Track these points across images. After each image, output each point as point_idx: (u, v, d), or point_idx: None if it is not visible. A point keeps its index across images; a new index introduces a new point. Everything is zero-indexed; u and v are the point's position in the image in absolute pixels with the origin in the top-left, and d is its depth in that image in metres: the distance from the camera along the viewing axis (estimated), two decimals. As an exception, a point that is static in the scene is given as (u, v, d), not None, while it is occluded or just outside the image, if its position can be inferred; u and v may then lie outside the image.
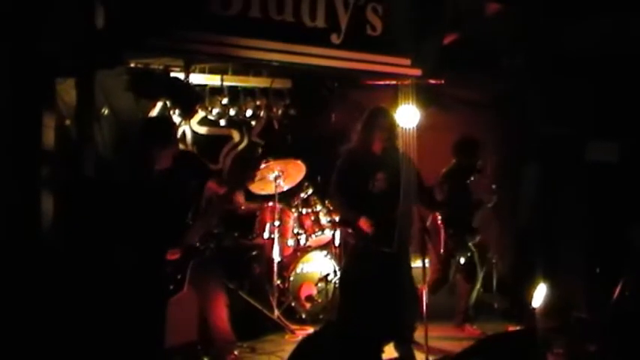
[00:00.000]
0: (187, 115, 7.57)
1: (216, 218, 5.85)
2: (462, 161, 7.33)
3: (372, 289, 5.73)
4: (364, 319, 5.32)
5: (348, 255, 6.46)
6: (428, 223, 7.08)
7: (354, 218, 6.15)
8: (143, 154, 5.44)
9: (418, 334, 6.05)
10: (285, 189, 7.55)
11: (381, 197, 6.17)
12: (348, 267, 6.30)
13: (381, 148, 6.22)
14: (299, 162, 7.58)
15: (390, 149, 6.25)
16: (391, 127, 6.31)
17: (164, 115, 6.02)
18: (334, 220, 7.32)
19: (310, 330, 6.88)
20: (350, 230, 6.31)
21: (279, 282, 7.23)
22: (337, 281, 7.22)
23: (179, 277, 5.49)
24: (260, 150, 6.82)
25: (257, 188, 7.45)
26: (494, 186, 7.40)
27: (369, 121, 6.24)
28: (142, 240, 5.16)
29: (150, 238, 5.19)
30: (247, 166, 6.05)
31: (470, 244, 7.26)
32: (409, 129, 7.22)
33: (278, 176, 7.26)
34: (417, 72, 7.01)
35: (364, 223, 6.07)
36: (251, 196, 7.71)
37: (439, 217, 7.25)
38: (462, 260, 7.27)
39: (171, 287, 5.46)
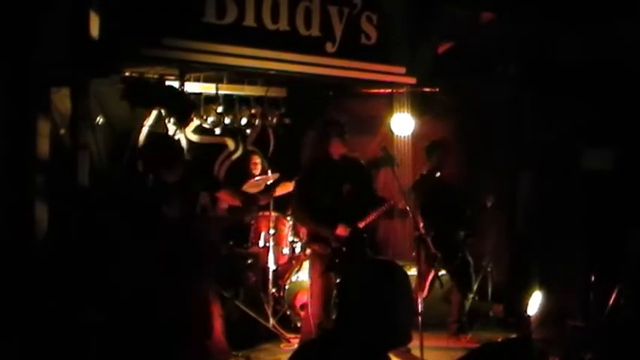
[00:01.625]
0: (182, 123, 7.58)
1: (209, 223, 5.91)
2: (434, 165, 7.19)
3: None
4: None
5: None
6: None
7: (329, 230, 6.03)
8: (149, 172, 5.49)
9: (413, 344, 6.05)
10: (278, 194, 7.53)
11: (349, 207, 6.09)
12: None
13: (340, 158, 6.09)
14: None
15: (347, 159, 6.12)
16: (344, 136, 6.16)
17: (166, 135, 6.00)
18: (305, 242, 7.10)
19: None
20: (317, 246, 6.20)
21: (274, 290, 7.22)
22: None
23: None
24: (274, 177, 6.78)
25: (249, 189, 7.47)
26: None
27: (324, 133, 6.10)
28: (136, 249, 5.15)
29: (144, 248, 5.19)
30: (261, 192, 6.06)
31: (461, 253, 7.23)
32: (404, 137, 7.25)
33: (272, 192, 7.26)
34: (412, 80, 7.04)
35: (342, 230, 6.00)
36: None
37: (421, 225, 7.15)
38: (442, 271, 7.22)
39: None
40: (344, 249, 6.01)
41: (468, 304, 7.32)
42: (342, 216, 6.03)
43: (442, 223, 7.03)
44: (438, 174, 7.11)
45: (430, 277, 7.21)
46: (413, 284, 6.57)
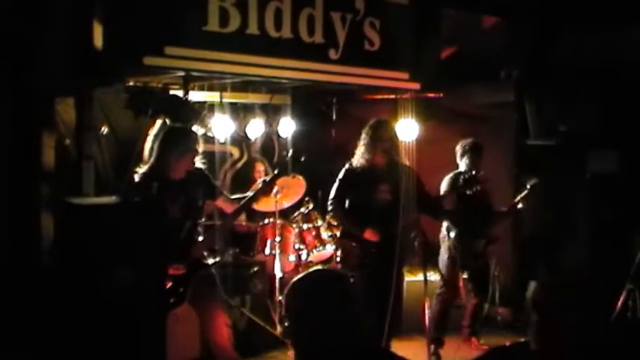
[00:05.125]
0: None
1: (223, 234, 5.93)
2: (469, 166, 7.18)
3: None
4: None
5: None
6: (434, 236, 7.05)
7: (358, 231, 6.19)
8: (159, 160, 5.60)
9: (421, 350, 6.05)
10: (285, 206, 7.56)
11: (384, 209, 6.20)
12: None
13: (384, 160, 6.27)
14: (299, 177, 7.57)
15: (392, 162, 6.29)
16: (393, 139, 6.36)
17: (186, 126, 6.09)
18: (336, 235, 7.22)
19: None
20: (354, 244, 6.33)
21: (280, 298, 7.20)
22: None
23: (181, 290, 5.50)
24: (273, 174, 6.78)
25: (258, 206, 7.45)
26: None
27: (371, 134, 6.30)
28: (143, 258, 5.15)
29: (151, 256, 5.18)
30: (259, 190, 6.10)
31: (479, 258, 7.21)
32: (409, 142, 7.23)
33: (277, 192, 7.22)
34: (416, 86, 7.03)
35: (370, 234, 6.12)
36: (251, 214, 7.70)
37: (443, 228, 7.18)
38: (466, 274, 7.20)
39: (172, 300, 5.47)
40: (373, 250, 6.10)
41: (484, 310, 7.31)
42: (374, 219, 6.13)
43: (470, 225, 7.03)
44: (466, 175, 7.09)
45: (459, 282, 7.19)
46: (420, 289, 6.60)
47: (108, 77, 5.68)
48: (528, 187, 7.12)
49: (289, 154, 7.31)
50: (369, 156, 6.30)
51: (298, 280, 2.96)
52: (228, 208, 5.99)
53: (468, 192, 6.88)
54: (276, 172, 6.19)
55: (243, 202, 6.09)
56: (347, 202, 6.35)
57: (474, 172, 6.96)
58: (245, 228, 7.70)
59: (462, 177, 6.92)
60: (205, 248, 5.77)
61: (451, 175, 7.14)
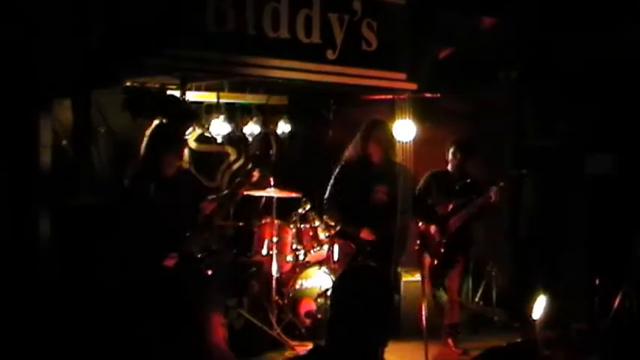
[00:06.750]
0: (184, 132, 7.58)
1: (212, 231, 5.93)
2: (455, 164, 7.17)
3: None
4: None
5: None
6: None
7: (354, 230, 6.20)
8: (149, 158, 5.58)
9: (418, 351, 6.06)
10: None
11: (380, 209, 6.21)
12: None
13: (380, 160, 6.29)
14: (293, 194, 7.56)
15: (388, 162, 6.30)
16: (389, 139, 6.38)
17: (171, 123, 6.11)
18: (332, 234, 7.20)
19: (311, 346, 6.83)
20: (342, 243, 6.35)
21: (278, 298, 7.20)
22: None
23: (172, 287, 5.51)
24: (249, 165, 6.74)
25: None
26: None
27: (367, 133, 6.32)
28: (139, 256, 5.15)
29: (147, 255, 5.19)
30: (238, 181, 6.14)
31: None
32: (406, 143, 7.25)
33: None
34: (413, 86, 7.04)
35: (366, 234, 6.13)
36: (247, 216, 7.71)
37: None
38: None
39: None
40: (368, 249, 6.11)
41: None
42: (370, 218, 6.14)
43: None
44: (451, 170, 7.10)
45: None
46: (417, 291, 6.61)
47: (105, 78, 5.69)
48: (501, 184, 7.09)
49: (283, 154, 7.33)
50: (365, 155, 6.32)
51: (347, 274, 2.99)
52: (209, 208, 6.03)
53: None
54: (237, 180, 6.23)
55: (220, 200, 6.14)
56: (343, 200, 6.36)
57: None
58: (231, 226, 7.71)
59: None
60: (196, 244, 5.77)
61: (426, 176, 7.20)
